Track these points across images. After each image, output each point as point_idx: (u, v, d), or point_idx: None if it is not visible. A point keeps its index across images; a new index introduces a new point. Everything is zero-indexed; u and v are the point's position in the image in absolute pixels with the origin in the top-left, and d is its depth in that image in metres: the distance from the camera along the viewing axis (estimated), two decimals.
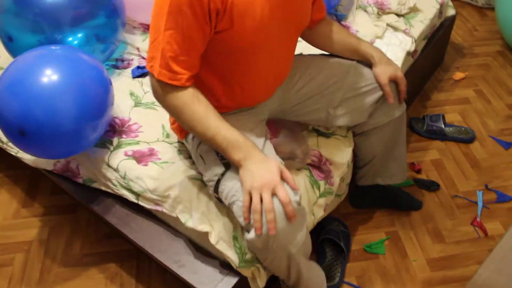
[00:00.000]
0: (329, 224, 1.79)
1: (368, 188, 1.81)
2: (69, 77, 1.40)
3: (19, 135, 1.38)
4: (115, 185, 1.55)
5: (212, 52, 1.23)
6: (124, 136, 1.60)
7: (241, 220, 1.21)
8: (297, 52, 1.50)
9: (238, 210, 1.22)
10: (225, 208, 1.39)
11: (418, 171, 2.05)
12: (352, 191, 1.87)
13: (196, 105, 1.18)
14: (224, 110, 1.36)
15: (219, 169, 1.27)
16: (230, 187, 1.24)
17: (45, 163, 1.68)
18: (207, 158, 1.32)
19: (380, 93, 1.51)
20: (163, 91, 1.18)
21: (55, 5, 1.55)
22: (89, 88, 1.44)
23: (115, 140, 1.59)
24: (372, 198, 1.88)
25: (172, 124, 1.49)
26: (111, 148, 1.58)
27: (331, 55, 1.61)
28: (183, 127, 1.28)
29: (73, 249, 1.83)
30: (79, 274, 1.75)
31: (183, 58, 1.15)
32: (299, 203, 1.21)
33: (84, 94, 1.41)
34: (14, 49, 1.60)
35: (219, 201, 1.36)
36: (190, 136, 1.41)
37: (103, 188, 1.61)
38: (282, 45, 1.34)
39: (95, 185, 1.62)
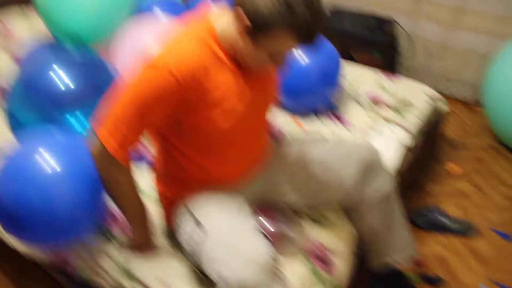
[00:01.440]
0: None
1: (382, 276, 1.74)
2: (67, 165, 1.36)
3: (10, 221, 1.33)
4: (111, 276, 1.47)
5: (186, 138, 1.33)
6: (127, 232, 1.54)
7: (212, 277, 1.25)
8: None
9: (208, 266, 1.26)
10: None
11: (421, 265, 1.96)
12: (369, 277, 1.79)
13: (132, 182, 1.35)
14: (203, 186, 1.42)
15: (198, 238, 1.30)
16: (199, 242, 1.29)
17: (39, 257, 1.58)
18: (187, 231, 1.35)
19: (359, 161, 1.53)
20: (109, 163, 1.26)
21: (62, 91, 1.65)
22: (86, 176, 1.37)
23: (118, 233, 1.55)
24: (386, 285, 1.78)
25: (166, 216, 1.51)
26: (116, 243, 1.53)
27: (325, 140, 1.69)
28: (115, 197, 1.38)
29: None
30: None
31: (134, 141, 1.25)
32: (274, 258, 1.23)
33: (80, 182, 1.36)
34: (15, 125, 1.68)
35: (202, 274, 1.35)
36: (178, 225, 1.43)
37: (99, 281, 1.50)
38: (254, 127, 1.43)
39: (92, 279, 1.51)
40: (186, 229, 1.36)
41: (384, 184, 1.58)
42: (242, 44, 1.21)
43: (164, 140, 1.37)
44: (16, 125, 1.69)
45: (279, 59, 1.24)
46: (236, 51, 1.24)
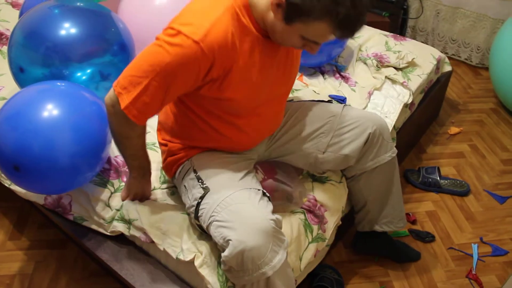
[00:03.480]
0: (322, 271, 1.76)
1: (367, 234, 1.80)
2: (67, 113, 1.39)
3: (13, 170, 1.35)
4: (108, 222, 1.53)
5: (205, 106, 1.33)
6: (124, 178, 1.59)
7: (217, 239, 1.25)
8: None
9: (215, 230, 1.25)
10: None
11: (413, 222, 2.04)
12: (354, 235, 1.86)
13: (141, 139, 1.35)
14: (216, 147, 1.44)
15: (198, 193, 1.32)
16: (208, 208, 1.28)
17: (35, 196, 1.65)
18: (189, 185, 1.38)
19: (365, 135, 1.53)
20: (121, 118, 1.24)
21: (67, 39, 1.55)
22: (88, 125, 1.42)
23: (116, 182, 1.59)
24: (371, 245, 1.84)
25: (163, 162, 1.53)
26: (112, 189, 1.57)
27: (319, 101, 1.66)
28: (124, 151, 1.39)
29: (58, 285, 1.78)
30: None
31: (153, 107, 1.23)
32: (276, 222, 1.24)
33: (82, 131, 1.40)
34: (23, 80, 1.59)
35: (200, 230, 1.38)
36: (178, 172, 1.46)
37: (94, 227, 1.58)
38: (274, 103, 1.43)
39: (86, 223, 1.60)
40: (189, 186, 1.38)
41: (385, 156, 1.59)
42: (271, 19, 1.18)
43: (182, 104, 1.37)
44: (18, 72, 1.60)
45: (311, 45, 1.21)
46: (266, 23, 1.21)
